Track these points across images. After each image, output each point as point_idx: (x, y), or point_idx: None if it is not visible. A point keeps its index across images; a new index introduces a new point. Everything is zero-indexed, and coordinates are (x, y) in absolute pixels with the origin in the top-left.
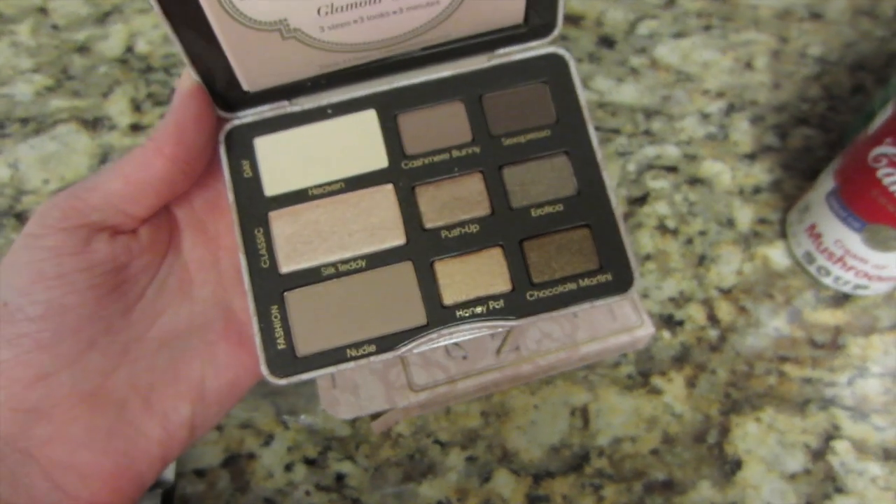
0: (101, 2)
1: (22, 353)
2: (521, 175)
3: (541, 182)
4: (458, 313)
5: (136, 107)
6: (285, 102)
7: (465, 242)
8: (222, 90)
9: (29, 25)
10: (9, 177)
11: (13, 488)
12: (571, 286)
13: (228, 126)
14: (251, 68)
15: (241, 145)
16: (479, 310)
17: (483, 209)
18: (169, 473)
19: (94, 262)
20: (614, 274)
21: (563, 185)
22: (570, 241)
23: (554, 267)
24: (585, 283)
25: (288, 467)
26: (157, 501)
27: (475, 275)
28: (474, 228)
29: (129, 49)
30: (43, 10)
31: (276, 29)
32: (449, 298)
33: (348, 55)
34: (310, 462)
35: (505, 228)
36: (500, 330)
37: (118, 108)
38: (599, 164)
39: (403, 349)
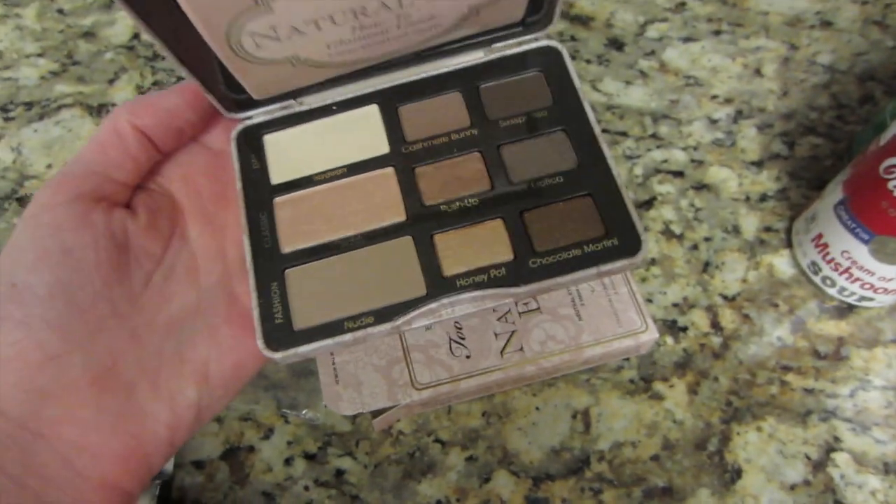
0: None
1: (32, 332)
2: (520, 152)
3: (540, 158)
4: (459, 283)
5: (142, 94)
6: (293, 102)
7: (465, 215)
8: (232, 95)
9: (35, 9)
10: (12, 160)
11: (26, 467)
12: (576, 252)
13: (240, 126)
14: (260, 85)
15: (251, 142)
16: (480, 279)
17: (483, 185)
18: (167, 464)
19: (95, 236)
20: (621, 239)
21: (563, 160)
22: (572, 209)
23: (557, 235)
24: (591, 248)
25: (287, 461)
26: (155, 492)
27: (476, 246)
28: (474, 202)
29: (136, 36)
30: None
31: (287, 62)
32: (449, 269)
33: (353, 65)
34: (309, 457)
35: (505, 201)
36: (503, 302)
37: (123, 95)
38: (598, 138)
39: (401, 320)
